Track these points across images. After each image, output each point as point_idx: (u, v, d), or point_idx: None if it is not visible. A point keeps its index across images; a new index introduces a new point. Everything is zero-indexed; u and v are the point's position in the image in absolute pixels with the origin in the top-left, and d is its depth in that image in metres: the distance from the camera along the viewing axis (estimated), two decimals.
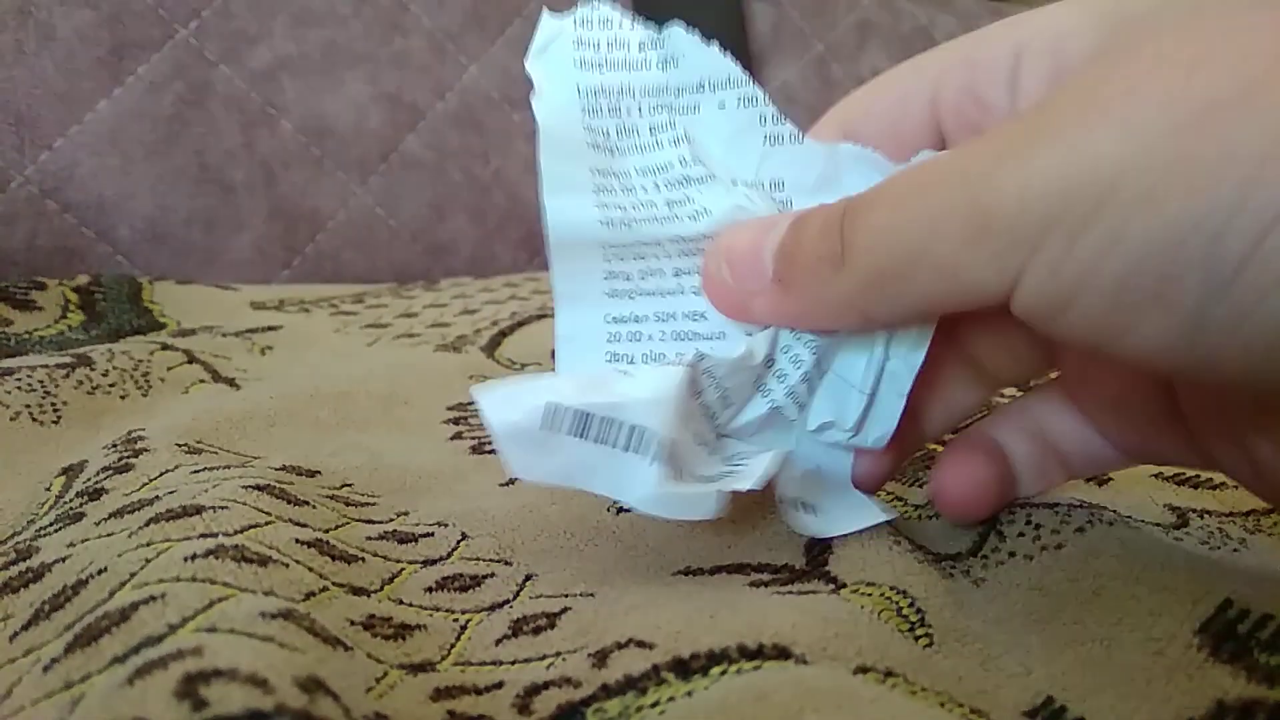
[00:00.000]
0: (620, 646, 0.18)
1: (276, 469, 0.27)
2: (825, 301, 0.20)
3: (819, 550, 0.23)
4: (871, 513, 0.23)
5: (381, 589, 0.21)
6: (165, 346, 0.40)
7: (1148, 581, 0.21)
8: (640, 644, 0.18)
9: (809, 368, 0.22)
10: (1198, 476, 0.28)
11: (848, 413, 0.23)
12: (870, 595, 0.21)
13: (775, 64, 0.81)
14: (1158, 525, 0.25)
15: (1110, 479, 0.28)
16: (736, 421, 0.23)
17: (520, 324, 0.49)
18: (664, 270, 0.23)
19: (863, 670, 0.17)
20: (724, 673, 0.17)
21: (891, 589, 0.21)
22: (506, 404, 0.20)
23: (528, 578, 0.22)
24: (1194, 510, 0.26)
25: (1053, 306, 0.17)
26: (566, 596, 0.21)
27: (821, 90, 0.82)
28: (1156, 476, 0.29)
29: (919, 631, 0.20)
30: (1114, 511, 0.24)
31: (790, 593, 0.21)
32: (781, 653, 0.17)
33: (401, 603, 0.21)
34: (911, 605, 0.21)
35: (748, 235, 0.22)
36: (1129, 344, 0.17)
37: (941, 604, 0.21)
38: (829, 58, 0.84)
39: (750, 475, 0.21)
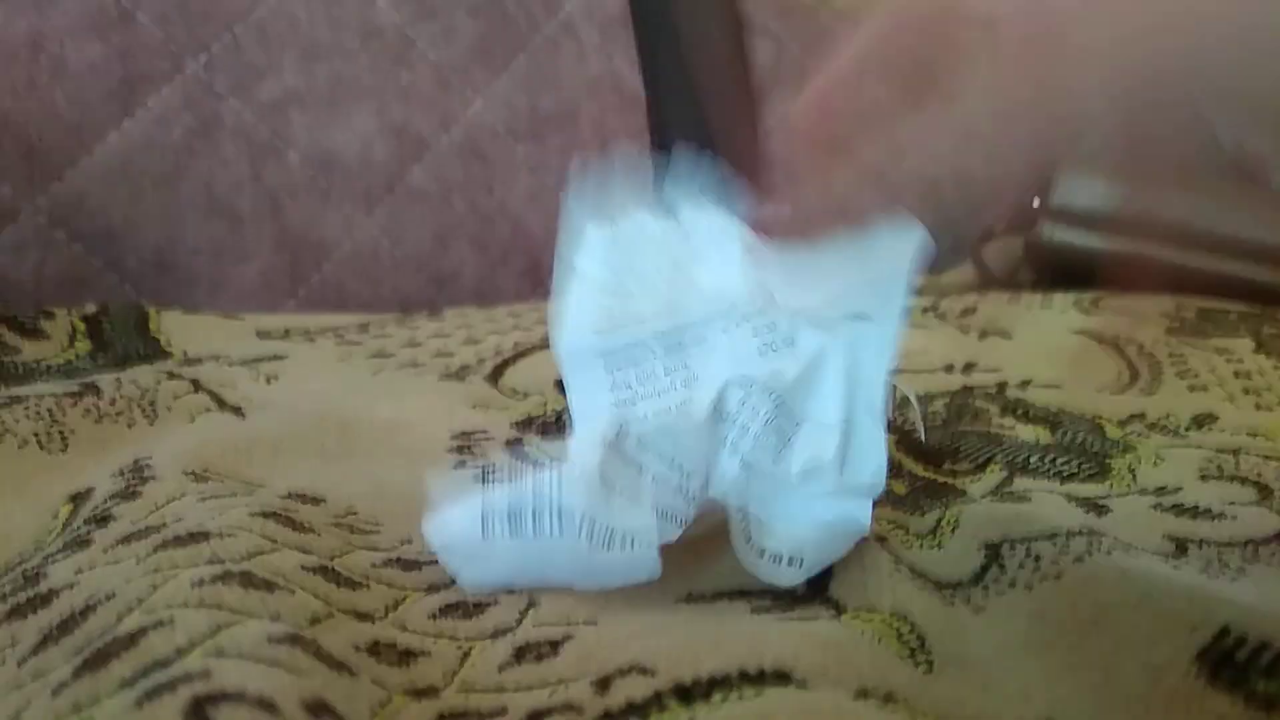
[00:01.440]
0: (622, 673, 0.18)
1: (282, 496, 0.27)
2: None
3: (820, 576, 0.23)
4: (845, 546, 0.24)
5: (385, 615, 0.21)
6: (172, 375, 0.40)
7: (1146, 609, 0.21)
8: (642, 670, 0.18)
9: (770, 413, 0.23)
10: (1196, 506, 0.28)
11: (825, 449, 0.23)
12: (871, 621, 0.21)
13: (778, 94, 0.82)
14: (1157, 554, 0.25)
15: (1109, 509, 0.28)
16: (714, 488, 0.23)
17: (523, 353, 0.49)
18: (657, 372, 0.24)
19: (863, 695, 0.18)
20: (725, 699, 0.17)
21: (892, 614, 0.21)
22: (446, 524, 0.23)
23: (530, 605, 0.22)
24: (1192, 540, 0.26)
25: None
26: (569, 625, 0.21)
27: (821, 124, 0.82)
28: (1155, 508, 0.29)
29: (919, 657, 0.20)
30: (1114, 539, 0.24)
31: (792, 618, 0.21)
32: (782, 677, 0.18)
33: (405, 629, 0.21)
34: (912, 631, 0.21)
35: None
36: None
37: (941, 630, 0.21)
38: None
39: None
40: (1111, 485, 0.31)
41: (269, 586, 0.19)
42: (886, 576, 0.22)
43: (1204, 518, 0.28)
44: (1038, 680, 0.20)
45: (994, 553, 0.24)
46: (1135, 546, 0.25)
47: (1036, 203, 0.70)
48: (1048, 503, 0.29)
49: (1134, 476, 0.32)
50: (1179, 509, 0.28)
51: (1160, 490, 0.30)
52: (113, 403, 0.36)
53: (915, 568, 0.24)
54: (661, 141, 0.88)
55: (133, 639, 0.17)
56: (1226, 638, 0.19)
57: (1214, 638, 0.19)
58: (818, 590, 0.22)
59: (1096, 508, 0.28)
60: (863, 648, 0.19)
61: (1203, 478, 0.31)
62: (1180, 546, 0.25)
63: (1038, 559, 0.23)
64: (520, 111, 0.73)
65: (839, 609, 0.21)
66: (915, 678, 0.19)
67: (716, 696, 0.17)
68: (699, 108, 0.85)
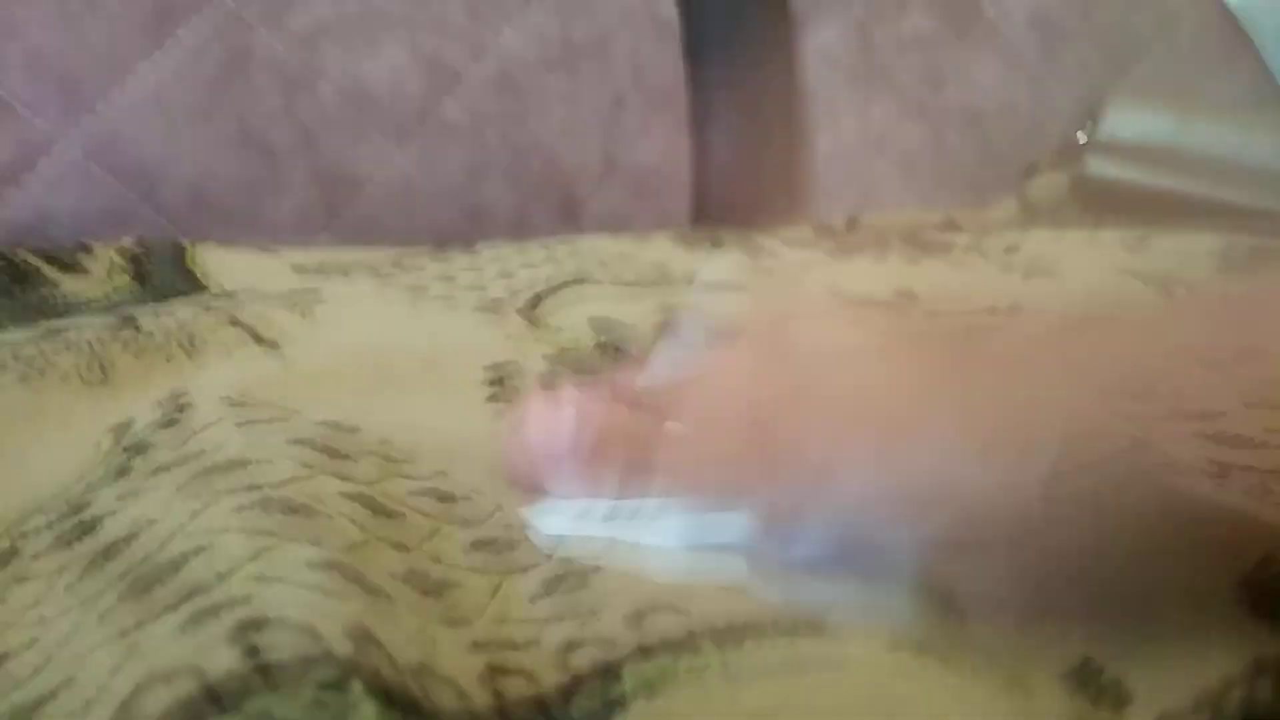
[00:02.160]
0: (655, 610, 0.18)
1: (318, 423, 0.27)
2: None
3: None
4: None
5: (420, 546, 0.22)
6: (210, 309, 0.40)
7: (1188, 537, 0.20)
8: (675, 609, 0.18)
9: None
10: (1239, 435, 0.28)
11: None
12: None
13: (815, 25, 0.80)
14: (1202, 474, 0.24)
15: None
16: None
17: (556, 288, 0.49)
18: None
19: (896, 646, 0.17)
20: (759, 646, 0.17)
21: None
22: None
23: (560, 540, 0.22)
24: (1237, 466, 0.25)
25: None
26: (598, 556, 0.21)
27: (861, 53, 0.81)
28: (1197, 435, 0.28)
29: (950, 608, 0.20)
30: (1155, 461, 0.24)
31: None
32: (815, 630, 0.17)
33: (440, 561, 0.21)
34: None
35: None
36: None
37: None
38: (870, 19, 0.83)
39: None
40: None
41: (308, 512, 0.19)
42: None
43: (1247, 447, 0.27)
44: (1076, 619, 0.20)
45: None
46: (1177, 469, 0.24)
47: (1083, 136, 0.68)
48: None
49: None
50: (1220, 436, 0.28)
51: (1202, 416, 0.30)
52: (152, 336, 0.36)
53: None
54: (697, 73, 0.86)
55: (175, 565, 0.17)
56: (1270, 566, 0.19)
57: (1256, 566, 0.19)
58: None
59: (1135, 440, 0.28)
60: (894, 601, 0.19)
61: (1246, 405, 0.31)
62: (1224, 470, 0.25)
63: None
64: (553, 41, 0.72)
65: None
66: (947, 629, 0.19)
67: (749, 643, 0.17)
68: (735, 35, 0.83)
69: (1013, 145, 0.77)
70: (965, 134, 0.78)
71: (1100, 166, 0.67)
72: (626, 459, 0.23)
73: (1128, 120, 0.66)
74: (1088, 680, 0.18)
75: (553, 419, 0.24)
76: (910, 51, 0.80)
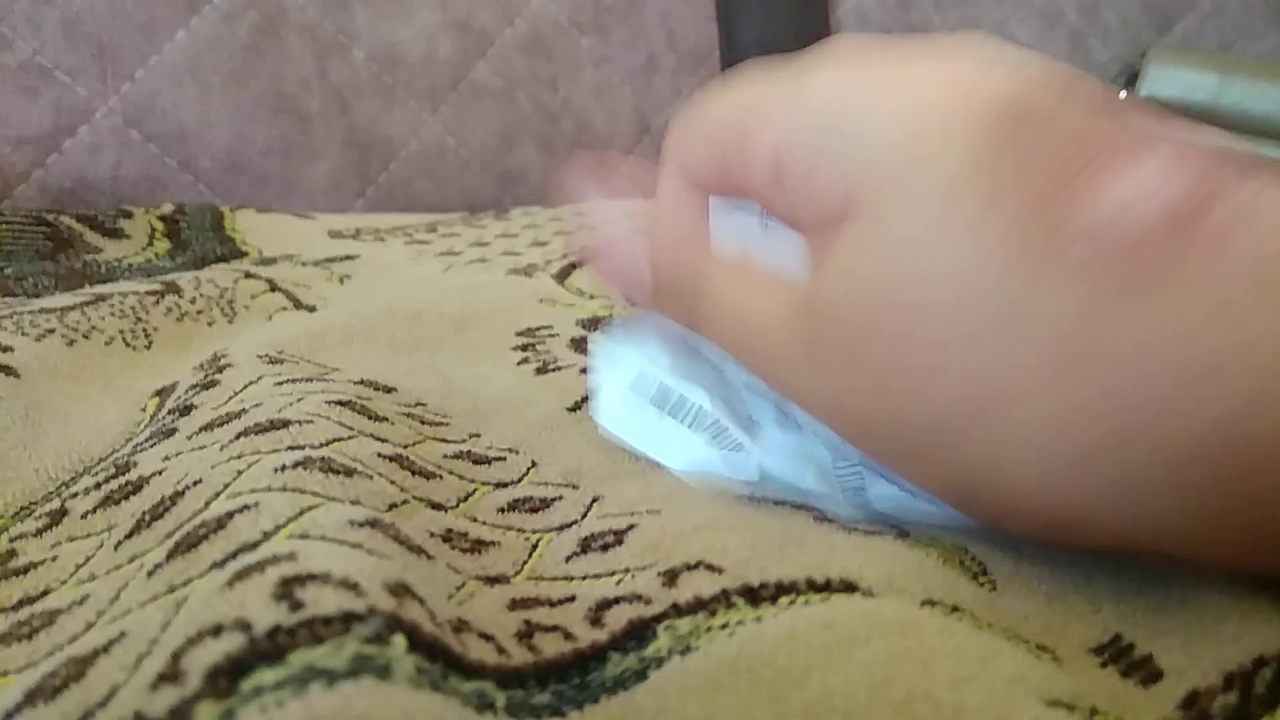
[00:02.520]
0: (689, 568, 0.18)
1: (355, 383, 0.28)
2: None
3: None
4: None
5: (457, 506, 0.22)
6: (249, 275, 0.41)
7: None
8: (710, 567, 0.18)
9: None
10: None
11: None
12: (934, 546, 0.21)
13: None
14: None
15: None
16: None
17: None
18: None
19: (929, 604, 0.18)
20: (792, 603, 0.17)
21: (953, 544, 0.21)
22: (612, 360, 0.25)
23: (594, 499, 0.23)
24: None
25: None
26: (632, 514, 0.21)
27: (898, 10, 0.79)
28: None
29: (982, 579, 0.20)
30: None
31: (857, 532, 0.21)
32: (849, 586, 0.18)
33: (476, 520, 0.22)
34: (974, 559, 0.21)
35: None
36: None
37: (1004, 556, 0.21)
38: None
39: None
40: None
41: (348, 472, 0.20)
42: (947, 529, 0.22)
43: None
44: (1107, 595, 0.20)
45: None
46: None
47: (1124, 94, 0.67)
48: None
49: None
50: None
51: None
52: (193, 302, 0.37)
53: None
54: (730, 34, 0.86)
55: (220, 523, 0.17)
56: None
57: None
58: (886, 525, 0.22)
59: None
60: (928, 565, 0.19)
61: None
62: None
63: None
64: (585, 3, 0.72)
65: (902, 532, 0.21)
66: (980, 594, 0.19)
67: (783, 600, 0.17)
68: None
69: None
70: None
71: None
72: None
73: (1169, 78, 0.65)
74: (1118, 655, 0.18)
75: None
76: (947, 9, 0.79)
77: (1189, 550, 0.17)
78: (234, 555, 0.16)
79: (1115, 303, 0.15)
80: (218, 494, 0.19)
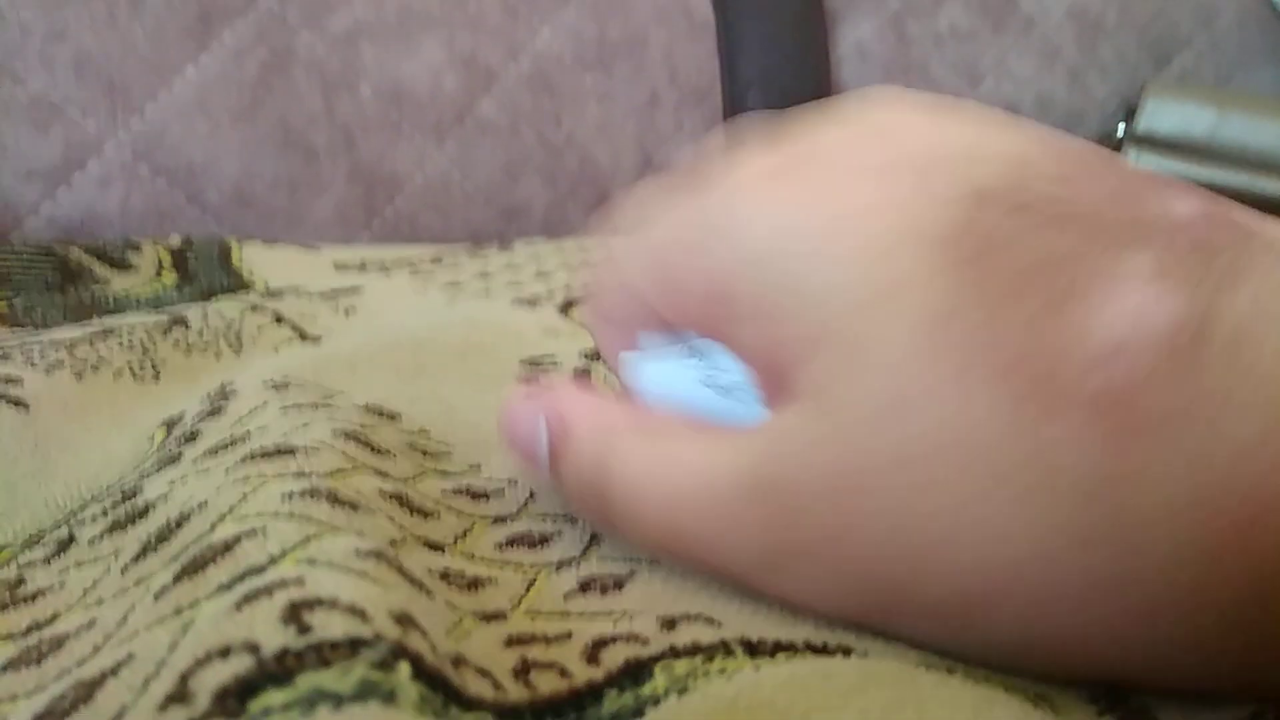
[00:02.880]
0: (689, 619, 0.19)
1: (359, 407, 0.28)
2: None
3: None
4: None
5: (455, 543, 0.22)
6: (255, 307, 0.41)
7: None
8: (709, 620, 0.19)
9: None
10: None
11: None
12: None
13: (850, 21, 0.80)
14: None
15: None
16: None
17: None
18: None
19: (925, 665, 0.18)
20: (790, 658, 0.17)
21: None
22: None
23: (594, 537, 0.23)
24: None
25: None
26: (632, 561, 0.22)
27: (898, 46, 0.80)
28: None
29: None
30: None
31: None
32: (845, 651, 0.18)
33: (474, 557, 0.22)
34: None
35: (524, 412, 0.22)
36: None
37: None
38: (905, 14, 0.82)
39: None
40: None
41: (353, 505, 0.20)
42: None
43: None
44: None
45: None
46: None
47: (1121, 128, 0.68)
48: None
49: None
50: None
51: None
52: (200, 334, 0.37)
53: None
54: (732, 70, 0.87)
55: (227, 546, 0.18)
56: None
57: None
58: None
59: None
60: None
61: None
62: None
63: None
64: (588, 40, 0.73)
65: None
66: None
67: (781, 655, 0.17)
68: (769, 34, 0.84)
69: None
70: None
71: (1139, 159, 0.66)
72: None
73: (1166, 112, 0.66)
74: (1114, 704, 0.18)
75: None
76: (947, 46, 0.80)
77: (1244, 683, 0.16)
78: (241, 578, 0.16)
79: (1133, 447, 0.13)
80: (223, 517, 0.19)
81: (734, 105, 0.80)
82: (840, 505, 0.16)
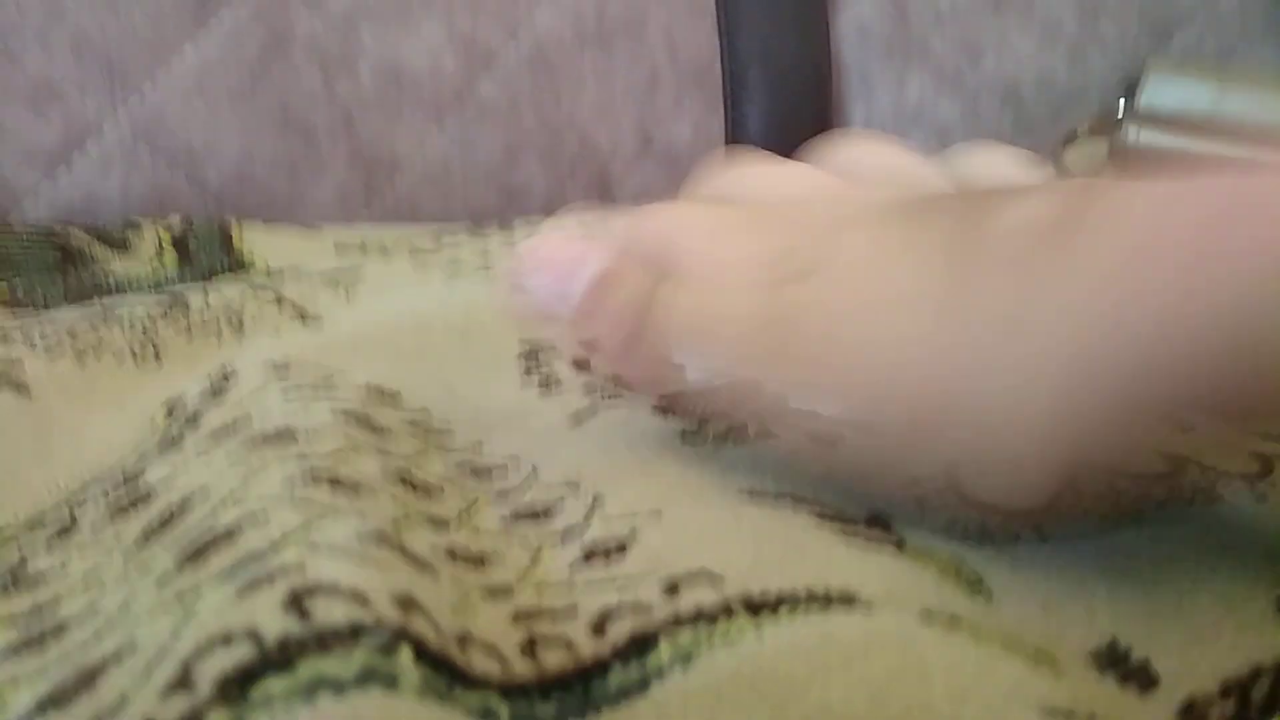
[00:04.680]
0: (691, 577, 0.19)
1: (359, 386, 0.28)
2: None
3: (880, 512, 0.23)
4: None
5: (459, 519, 0.22)
6: (256, 289, 0.41)
7: (1227, 556, 0.21)
8: (710, 577, 0.19)
9: None
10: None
11: None
12: (931, 558, 0.21)
13: (846, 1, 0.80)
14: (1241, 476, 0.24)
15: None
16: None
17: None
18: None
19: (928, 618, 0.18)
20: (793, 614, 0.17)
21: (950, 556, 0.21)
22: None
23: (595, 499, 0.23)
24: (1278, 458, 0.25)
25: None
26: (634, 516, 0.22)
27: (898, 24, 0.80)
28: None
29: (978, 589, 0.20)
30: (1196, 478, 0.24)
31: (855, 537, 0.21)
32: (847, 599, 0.18)
33: (479, 531, 0.22)
34: (970, 570, 0.21)
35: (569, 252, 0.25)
36: None
37: (1001, 566, 0.21)
38: None
39: None
40: None
41: (354, 486, 0.20)
42: (945, 526, 0.23)
43: None
44: (1103, 602, 0.20)
45: (1071, 481, 0.24)
46: (1214, 469, 0.24)
47: (1122, 105, 0.67)
48: None
49: None
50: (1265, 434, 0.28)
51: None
52: (201, 316, 0.37)
53: (979, 497, 0.24)
54: (732, 49, 0.86)
55: (229, 532, 0.18)
56: None
57: None
58: (879, 522, 0.23)
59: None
60: (926, 578, 0.20)
61: None
62: (1266, 465, 0.25)
63: (1119, 494, 0.23)
64: (587, 19, 0.72)
65: (900, 543, 0.21)
66: (977, 606, 0.19)
67: (783, 611, 0.18)
68: (769, 13, 0.83)
69: (1050, 116, 0.77)
70: (1002, 106, 0.78)
71: (1139, 135, 0.66)
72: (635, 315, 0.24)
73: (1168, 88, 0.65)
74: (1115, 660, 0.18)
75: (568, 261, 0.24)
76: (947, 23, 0.80)
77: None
78: (243, 564, 0.16)
79: (1039, 281, 0.18)
80: (225, 503, 0.19)
81: (735, 84, 0.79)
82: (831, 333, 0.21)
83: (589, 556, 0.21)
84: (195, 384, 0.29)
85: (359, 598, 0.15)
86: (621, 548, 0.21)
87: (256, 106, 0.60)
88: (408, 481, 0.23)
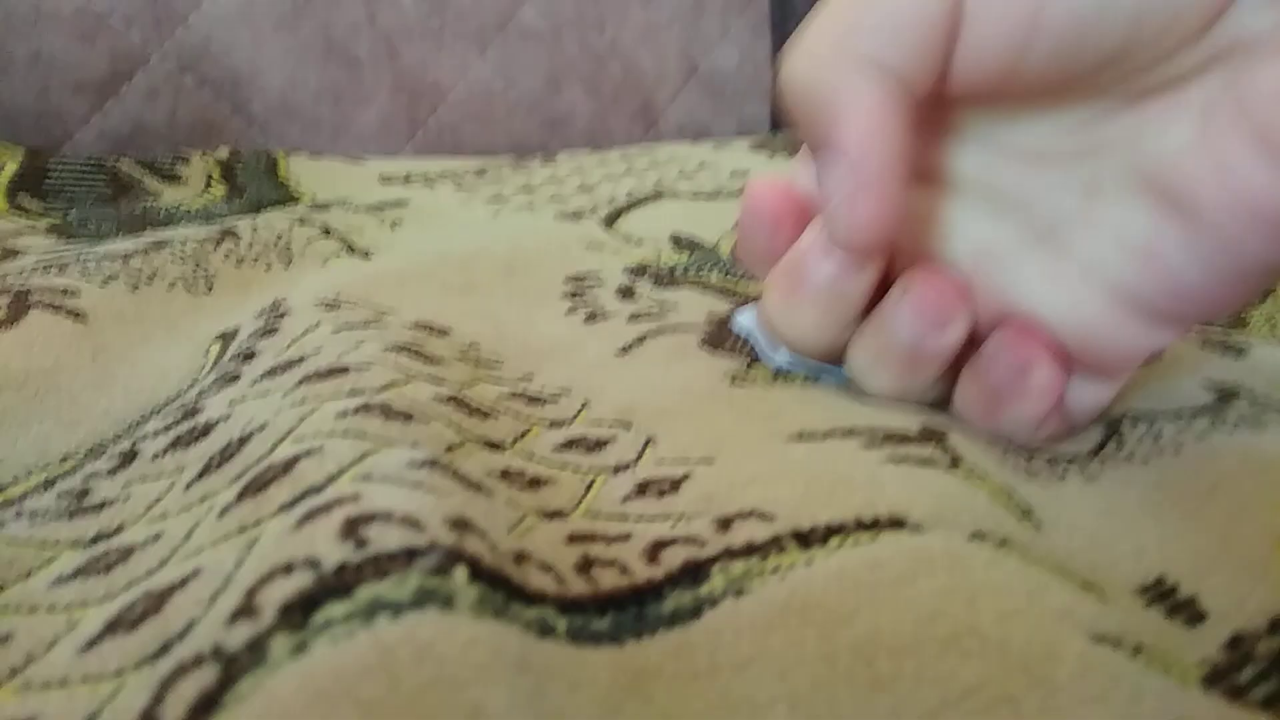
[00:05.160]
0: (743, 516, 0.19)
1: (409, 326, 0.28)
2: None
3: (937, 427, 0.23)
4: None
5: (513, 444, 0.23)
6: (303, 221, 0.42)
7: (1267, 481, 0.20)
8: (762, 515, 0.19)
9: None
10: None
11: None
12: (983, 483, 0.21)
13: None
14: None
15: (1248, 352, 0.27)
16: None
17: (635, 204, 0.49)
18: None
19: (978, 537, 0.18)
20: (841, 544, 0.18)
21: (1001, 484, 0.21)
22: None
23: (648, 441, 0.23)
24: None
25: None
26: (687, 462, 0.22)
27: None
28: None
29: (1028, 519, 0.20)
30: (1239, 415, 0.24)
31: (908, 458, 0.21)
32: (897, 523, 0.18)
33: (533, 458, 0.22)
34: (1020, 502, 0.21)
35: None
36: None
37: (1049, 501, 0.21)
38: None
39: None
40: (1249, 336, 0.30)
41: (406, 417, 0.20)
42: (999, 455, 0.22)
43: None
44: (1151, 540, 0.20)
45: (1114, 427, 0.24)
46: (1265, 404, 0.24)
47: None
48: (1178, 367, 0.28)
49: (1272, 328, 0.31)
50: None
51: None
52: (250, 247, 0.37)
53: (1028, 447, 0.24)
54: None
55: (287, 466, 0.18)
56: None
57: None
58: (933, 435, 0.23)
59: (1236, 351, 0.27)
60: (979, 500, 0.20)
61: None
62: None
63: (1158, 436, 0.23)
64: None
65: (955, 461, 0.21)
66: (1027, 531, 0.19)
67: (833, 541, 0.18)
68: None
69: None
70: None
71: None
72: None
73: None
74: (1162, 595, 0.18)
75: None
76: None
77: None
78: (301, 498, 0.17)
79: None
80: (282, 439, 0.20)
81: (782, 9, 0.77)
82: None
83: (643, 490, 0.21)
84: (249, 322, 0.30)
85: (412, 522, 0.15)
86: (675, 488, 0.21)
87: (299, 36, 0.60)
88: (462, 406, 0.23)
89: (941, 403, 0.25)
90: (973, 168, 0.24)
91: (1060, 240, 0.23)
